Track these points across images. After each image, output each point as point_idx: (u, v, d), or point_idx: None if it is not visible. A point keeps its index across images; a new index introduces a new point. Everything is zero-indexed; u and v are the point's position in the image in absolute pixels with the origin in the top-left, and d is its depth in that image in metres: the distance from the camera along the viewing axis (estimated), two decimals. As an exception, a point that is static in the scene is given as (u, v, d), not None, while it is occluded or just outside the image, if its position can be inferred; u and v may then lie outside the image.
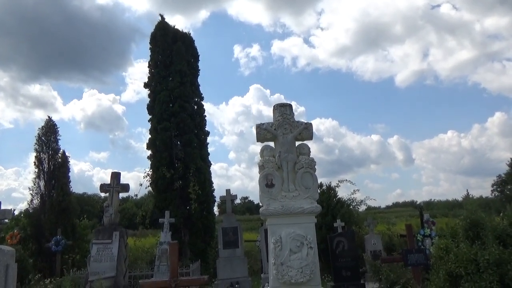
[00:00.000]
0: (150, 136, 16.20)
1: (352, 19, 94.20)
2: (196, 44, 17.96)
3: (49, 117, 16.35)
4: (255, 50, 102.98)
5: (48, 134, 15.77)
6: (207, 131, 17.23)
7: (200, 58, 17.97)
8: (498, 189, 33.84)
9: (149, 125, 16.42)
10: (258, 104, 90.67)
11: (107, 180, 10.26)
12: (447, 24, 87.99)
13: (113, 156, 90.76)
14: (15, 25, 59.71)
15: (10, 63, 66.16)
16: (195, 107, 16.98)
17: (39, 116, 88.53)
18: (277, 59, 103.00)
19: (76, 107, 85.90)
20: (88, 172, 78.52)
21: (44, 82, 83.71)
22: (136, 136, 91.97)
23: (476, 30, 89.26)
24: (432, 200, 55.41)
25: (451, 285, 4.22)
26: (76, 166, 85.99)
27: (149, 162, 16.01)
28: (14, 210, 16.98)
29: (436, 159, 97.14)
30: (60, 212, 14.55)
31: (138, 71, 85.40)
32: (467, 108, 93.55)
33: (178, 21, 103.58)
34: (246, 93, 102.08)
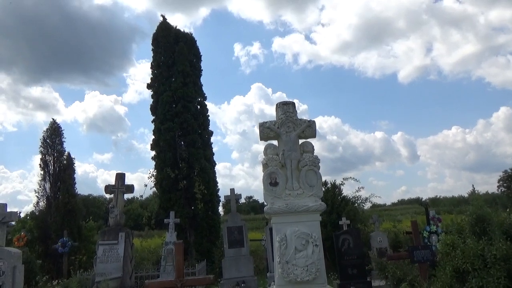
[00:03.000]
0: (153, 136, 16.26)
1: (354, 14, 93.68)
2: (197, 43, 18.02)
3: (53, 119, 16.46)
4: (255, 48, 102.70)
5: (53, 136, 15.87)
6: (211, 131, 17.27)
7: (202, 58, 18.03)
8: (505, 184, 33.55)
9: (152, 126, 16.50)
10: (260, 103, 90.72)
11: (112, 181, 10.32)
12: (450, 18, 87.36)
13: (116, 157, 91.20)
14: (15, 27, 60.00)
15: (11, 65, 66.56)
16: (198, 107, 17.01)
17: (42, 119, 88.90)
18: (278, 57, 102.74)
19: (78, 109, 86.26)
20: (92, 174, 78.98)
21: (45, 84, 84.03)
22: (139, 137, 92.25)
23: (480, 23, 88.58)
24: (438, 196, 55.04)
25: (458, 281, 4.19)
26: (80, 168, 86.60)
27: (153, 163, 16.08)
28: (20, 212, 17.11)
29: (441, 155, 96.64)
30: (66, 214, 14.64)
31: (139, 72, 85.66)
32: (471, 103, 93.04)
33: (178, 19, 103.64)
34: (248, 92, 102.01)
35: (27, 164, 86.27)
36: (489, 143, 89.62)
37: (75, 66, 74.72)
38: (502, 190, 33.28)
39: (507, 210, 4.98)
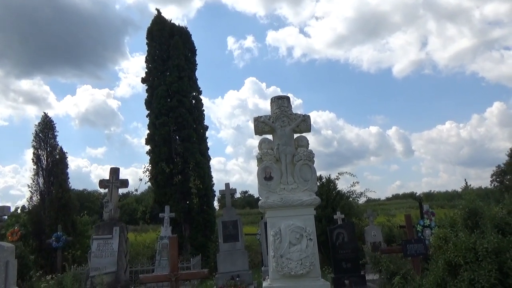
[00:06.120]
0: (148, 131, 16.21)
1: (350, 8, 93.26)
2: (192, 37, 17.92)
3: (45, 113, 16.33)
4: (249, 41, 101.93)
5: (45, 131, 15.76)
6: (206, 125, 17.25)
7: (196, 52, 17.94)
8: (498, 179, 33.85)
9: (146, 120, 16.48)
10: (254, 97, 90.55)
11: (105, 176, 10.28)
12: (446, 12, 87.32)
13: (110, 151, 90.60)
14: (5, 19, 58.87)
15: (2, 58, 65.49)
16: (193, 101, 16.96)
17: (32, 113, 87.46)
18: (272, 50, 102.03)
19: (70, 103, 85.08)
20: (85, 169, 78.47)
21: (35, 77, 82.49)
22: (132, 131, 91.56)
23: (475, 17, 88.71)
24: (432, 191, 55.48)
25: (450, 274, 4.22)
26: (73, 163, 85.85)
27: (147, 157, 16.04)
28: (10, 207, 17.04)
29: (435, 150, 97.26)
30: (60, 208, 14.58)
31: (131, 65, 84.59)
32: (465, 98, 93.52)
33: (171, 11, 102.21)
34: (242, 86, 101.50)
35: (19, 158, 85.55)
36: (483, 138, 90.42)
37: (67, 59, 73.66)
38: (495, 185, 33.56)
39: (499, 204, 5.03)
